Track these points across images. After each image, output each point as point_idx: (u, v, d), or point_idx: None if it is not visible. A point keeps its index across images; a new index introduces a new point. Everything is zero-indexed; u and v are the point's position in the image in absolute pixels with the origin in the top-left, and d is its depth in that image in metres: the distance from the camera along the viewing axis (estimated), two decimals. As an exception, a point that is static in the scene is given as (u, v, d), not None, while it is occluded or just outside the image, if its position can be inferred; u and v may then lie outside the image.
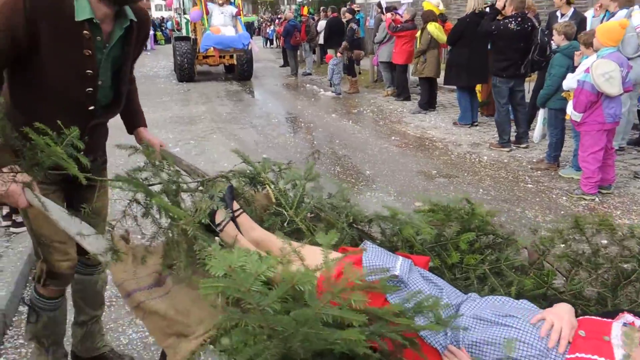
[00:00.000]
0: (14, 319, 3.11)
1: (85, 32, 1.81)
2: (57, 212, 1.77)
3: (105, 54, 1.93)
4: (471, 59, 7.64)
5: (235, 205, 1.95)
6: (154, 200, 1.75)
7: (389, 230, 2.08)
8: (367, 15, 17.66)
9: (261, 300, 1.23)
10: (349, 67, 11.82)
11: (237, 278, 1.21)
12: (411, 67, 10.24)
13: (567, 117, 5.32)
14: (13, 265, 3.53)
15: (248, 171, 2.17)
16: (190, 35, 14.21)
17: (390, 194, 5.25)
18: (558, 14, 7.12)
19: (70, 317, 2.48)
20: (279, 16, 25.30)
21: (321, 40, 14.38)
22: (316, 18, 16.50)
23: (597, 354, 1.36)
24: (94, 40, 1.85)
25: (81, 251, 2.06)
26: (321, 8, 19.10)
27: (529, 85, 7.10)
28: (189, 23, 14.09)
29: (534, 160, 6.24)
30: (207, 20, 13.00)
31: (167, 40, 26.76)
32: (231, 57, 13.70)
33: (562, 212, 4.67)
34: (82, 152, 1.81)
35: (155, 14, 37.15)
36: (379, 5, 12.52)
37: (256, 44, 15.10)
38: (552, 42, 6.11)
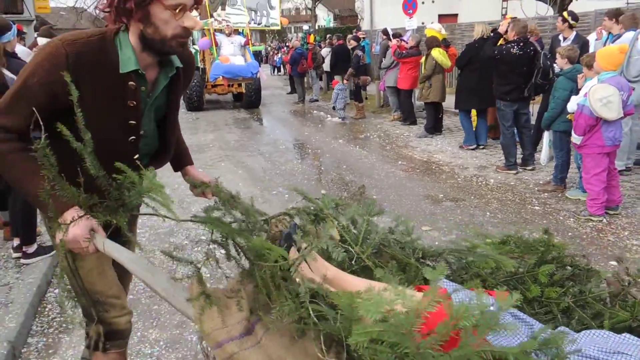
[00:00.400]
0: (22, 351, 3.14)
1: (130, 83, 1.72)
2: (137, 263, 1.64)
3: (149, 103, 1.84)
4: (481, 82, 7.70)
5: (303, 244, 1.84)
6: (251, 242, 1.61)
7: (455, 264, 1.98)
8: (373, 41, 17.89)
9: (423, 343, 1.15)
10: (355, 92, 11.97)
11: (395, 320, 1.14)
12: (416, 92, 10.35)
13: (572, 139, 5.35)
14: (23, 297, 3.57)
15: (312, 207, 2.05)
16: (199, 64, 14.48)
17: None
18: (560, 37, 7.22)
19: None
20: (286, 44, 25.72)
21: (327, 67, 14.58)
22: (322, 45, 16.77)
23: None
24: (139, 91, 1.76)
25: None
26: (327, 35, 19.44)
27: (533, 108, 7.15)
28: (198, 52, 14.38)
29: (541, 182, 6.24)
30: (217, 50, 13.26)
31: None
32: (240, 85, 13.92)
33: (570, 234, 4.67)
34: None
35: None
36: (385, 32, 12.73)
37: (264, 72, 15.32)
38: (555, 65, 6.18)
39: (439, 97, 9.23)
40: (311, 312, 1.40)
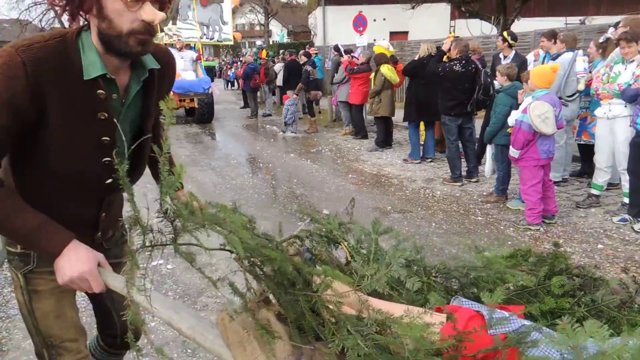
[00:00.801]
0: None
1: (99, 91, 1.45)
2: (166, 304, 1.45)
3: (122, 113, 1.56)
4: (429, 96, 7.86)
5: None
6: (313, 271, 1.45)
7: (463, 279, 1.96)
8: (326, 57, 18.17)
9: None
10: (308, 107, 12.12)
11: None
12: (367, 107, 10.58)
13: (511, 152, 5.61)
14: None
15: (324, 229, 1.96)
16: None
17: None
18: (501, 56, 7.56)
19: None
20: (240, 59, 25.74)
21: (280, 82, 14.70)
22: (276, 61, 16.89)
23: None
24: (110, 100, 1.49)
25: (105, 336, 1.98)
26: (280, 51, 19.59)
27: (476, 123, 7.43)
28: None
29: (484, 193, 6.49)
30: (167, 65, 13.13)
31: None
32: (192, 100, 13.82)
33: (510, 243, 4.87)
34: (99, 232, 1.71)
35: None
36: (336, 48, 12.99)
37: (217, 87, 15.29)
38: (495, 82, 6.48)
39: (389, 111, 9.47)
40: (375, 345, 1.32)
